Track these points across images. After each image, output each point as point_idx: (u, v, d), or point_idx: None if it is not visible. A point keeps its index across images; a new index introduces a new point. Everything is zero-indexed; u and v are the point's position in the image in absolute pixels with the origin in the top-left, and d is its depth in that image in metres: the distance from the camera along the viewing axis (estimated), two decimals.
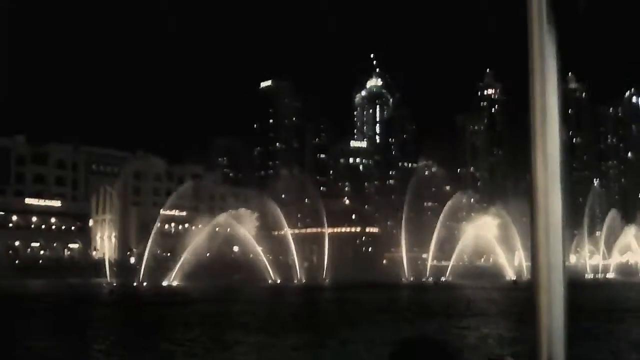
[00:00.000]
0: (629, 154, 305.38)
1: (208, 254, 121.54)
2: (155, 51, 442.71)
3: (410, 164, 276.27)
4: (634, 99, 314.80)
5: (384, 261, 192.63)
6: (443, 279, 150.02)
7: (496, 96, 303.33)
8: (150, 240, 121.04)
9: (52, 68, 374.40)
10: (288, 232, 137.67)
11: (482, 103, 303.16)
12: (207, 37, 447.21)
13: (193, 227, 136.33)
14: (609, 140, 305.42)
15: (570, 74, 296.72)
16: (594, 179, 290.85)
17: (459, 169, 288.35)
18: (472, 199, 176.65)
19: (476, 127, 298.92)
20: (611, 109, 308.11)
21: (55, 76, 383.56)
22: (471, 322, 44.33)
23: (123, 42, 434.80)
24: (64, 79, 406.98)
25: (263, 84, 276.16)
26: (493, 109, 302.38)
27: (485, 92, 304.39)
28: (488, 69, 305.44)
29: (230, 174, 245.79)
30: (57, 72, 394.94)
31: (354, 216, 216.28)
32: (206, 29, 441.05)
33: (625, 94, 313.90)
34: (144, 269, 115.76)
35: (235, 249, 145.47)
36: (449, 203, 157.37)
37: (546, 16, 2.78)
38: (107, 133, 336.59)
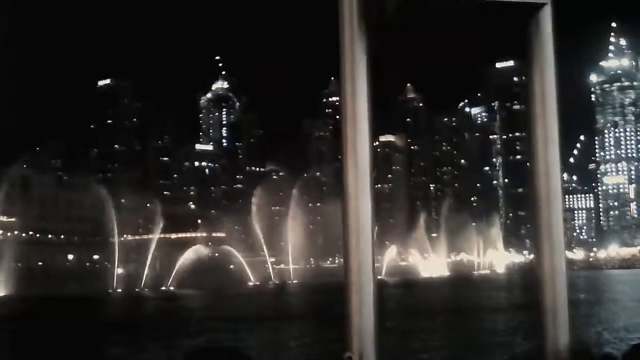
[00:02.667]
0: (462, 161, 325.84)
1: (40, 262, 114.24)
2: None
3: (257, 168, 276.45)
4: (467, 109, 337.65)
5: (231, 266, 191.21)
6: (289, 281, 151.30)
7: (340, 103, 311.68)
8: None
9: None
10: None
11: (327, 110, 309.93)
12: (42, 31, 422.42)
13: (23, 234, 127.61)
14: (444, 148, 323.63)
15: (408, 84, 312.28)
16: (430, 184, 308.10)
17: (305, 174, 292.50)
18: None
19: (322, 133, 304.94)
20: (446, 118, 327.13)
21: None
22: (303, 326, 44.29)
23: None
24: None
25: (101, 83, 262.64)
26: (338, 116, 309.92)
27: (330, 99, 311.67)
28: (333, 77, 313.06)
29: (65, 177, 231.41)
30: None
31: (199, 221, 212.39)
32: (42, 22, 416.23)
33: (459, 104, 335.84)
34: None
35: (70, 257, 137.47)
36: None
37: (356, 24, 2.81)
38: None
